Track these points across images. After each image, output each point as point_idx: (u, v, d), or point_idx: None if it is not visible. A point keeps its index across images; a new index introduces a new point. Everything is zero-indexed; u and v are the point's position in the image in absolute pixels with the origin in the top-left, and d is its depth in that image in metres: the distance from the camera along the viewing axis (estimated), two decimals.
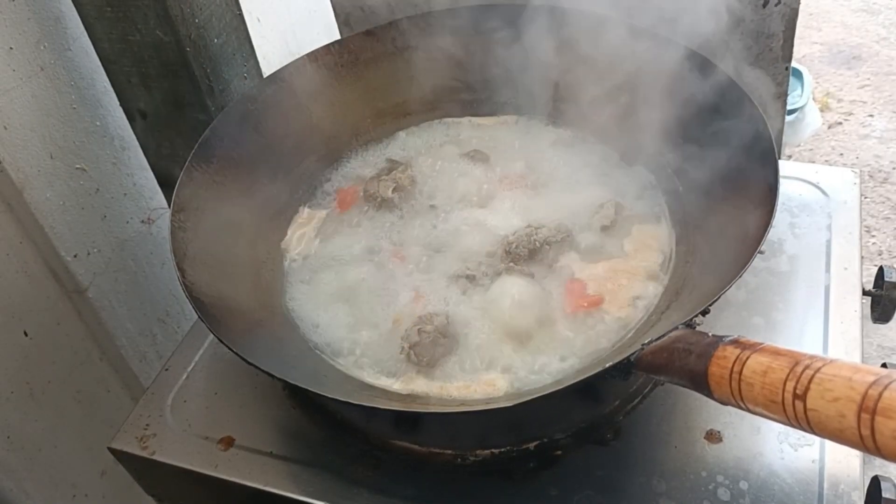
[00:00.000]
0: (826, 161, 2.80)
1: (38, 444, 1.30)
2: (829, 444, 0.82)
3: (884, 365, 0.86)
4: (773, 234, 1.05)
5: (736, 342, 0.63)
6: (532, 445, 0.86)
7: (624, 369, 0.70)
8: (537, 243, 0.98)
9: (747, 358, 0.60)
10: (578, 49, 1.12)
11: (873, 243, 2.48)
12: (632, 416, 0.88)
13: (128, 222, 1.40)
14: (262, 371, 0.76)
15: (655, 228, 1.01)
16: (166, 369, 1.03)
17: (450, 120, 1.23)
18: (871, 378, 0.52)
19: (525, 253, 0.97)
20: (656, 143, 1.06)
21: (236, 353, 0.77)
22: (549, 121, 1.19)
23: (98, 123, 1.30)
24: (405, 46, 1.19)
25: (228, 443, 0.92)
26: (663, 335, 0.69)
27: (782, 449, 0.82)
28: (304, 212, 1.12)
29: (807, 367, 0.56)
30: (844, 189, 1.11)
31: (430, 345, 0.89)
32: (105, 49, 1.20)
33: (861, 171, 1.15)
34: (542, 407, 0.70)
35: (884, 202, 2.61)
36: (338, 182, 1.16)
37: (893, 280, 0.99)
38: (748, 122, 0.89)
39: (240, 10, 1.27)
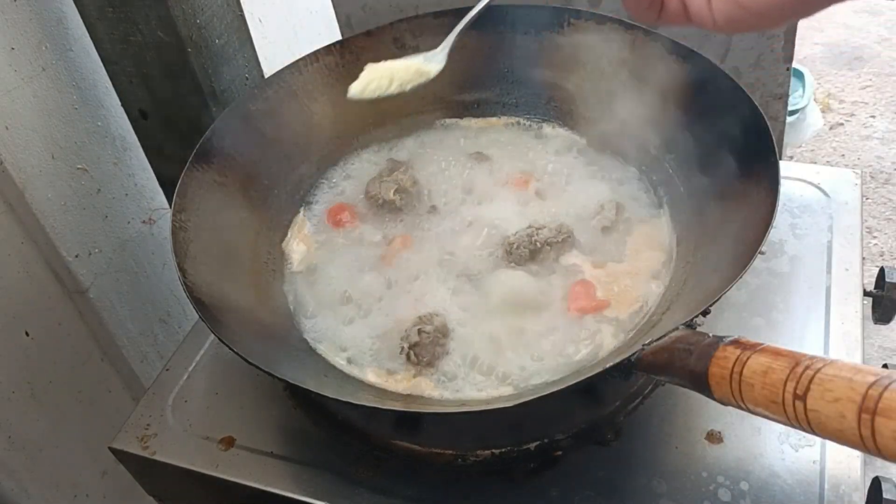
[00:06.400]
0: (827, 162, 2.80)
1: (39, 444, 1.30)
2: (829, 444, 0.82)
3: (885, 366, 0.86)
4: (774, 234, 1.05)
5: (736, 342, 0.63)
6: (532, 446, 0.86)
7: (624, 369, 0.70)
8: (538, 244, 0.98)
9: (748, 358, 0.60)
10: (580, 50, 1.12)
11: (874, 244, 2.48)
12: (632, 416, 0.88)
13: (129, 222, 1.40)
14: (263, 371, 0.76)
15: (656, 229, 1.01)
16: (167, 369, 1.03)
17: (451, 121, 1.23)
18: (872, 378, 0.52)
19: (526, 253, 0.97)
20: (658, 144, 1.06)
21: (237, 354, 0.77)
22: (550, 122, 1.19)
23: (99, 124, 1.30)
24: (407, 47, 1.19)
25: (229, 443, 0.92)
26: (664, 335, 0.69)
27: (783, 450, 0.82)
28: (305, 212, 1.12)
29: (807, 367, 0.56)
30: (846, 190, 1.11)
31: (430, 345, 0.89)
32: (106, 49, 1.20)
33: (862, 171, 1.15)
34: (542, 407, 0.70)
35: (885, 203, 2.61)
36: (338, 183, 1.16)
37: (894, 281, 0.99)
38: (749, 122, 0.89)
39: (241, 10, 1.27)
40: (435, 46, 1.10)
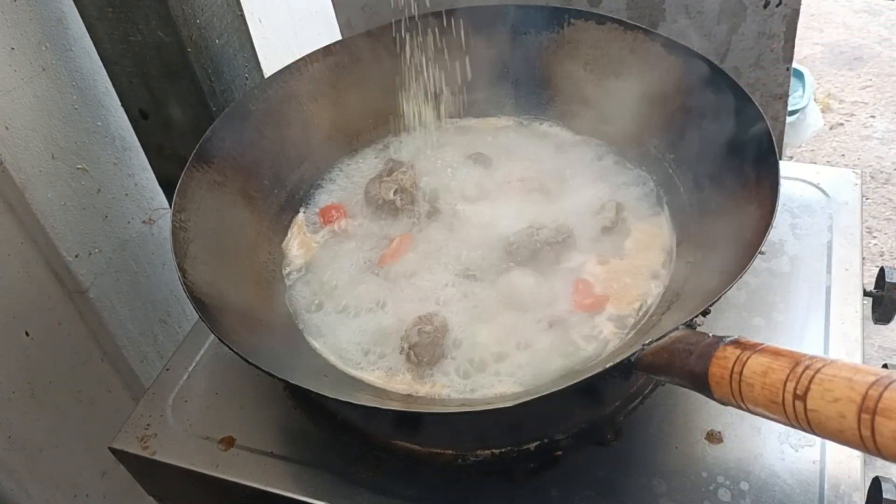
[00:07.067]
0: (827, 162, 2.80)
1: (40, 444, 1.30)
2: (829, 444, 0.82)
3: (885, 366, 0.86)
4: (774, 234, 1.05)
5: (736, 343, 0.63)
6: (533, 446, 0.86)
7: (624, 369, 0.70)
8: (538, 244, 0.98)
9: (748, 358, 0.60)
10: (580, 51, 1.12)
11: (874, 244, 2.48)
12: (632, 416, 0.88)
13: (129, 222, 1.40)
14: (263, 371, 0.76)
15: (656, 229, 1.01)
16: (167, 369, 1.03)
17: (452, 121, 1.23)
18: (872, 378, 0.52)
19: (526, 254, 0.97)
20: (657, 144, 1.06)
21: (237, 353, 0.77)
22: (550, 122, 1.20)
23: (99, 124, 1.30)
24: (407, 47, 1.19)
25: (229, 443, 0.92)
26: (664, 335, 0.69)
27: (783, 450, 0.82)
28: (305, 212, 1.12)
29: (807, 367, 0.56)
30: (846, 190, 1.11)
31: (430, 345, 0.89)
32: (106, 49, 1.20)
33: (862, 171, 1.15)
34: (542, 407, 0.70)
35: (885, 203, 2.61)
36: (338, 183, 1.16)
37: (894, 281, 0.99)
38: (749, 122, 0.89)
39: (241, 10, 1.27)
40: (435, 46, 1.11)
